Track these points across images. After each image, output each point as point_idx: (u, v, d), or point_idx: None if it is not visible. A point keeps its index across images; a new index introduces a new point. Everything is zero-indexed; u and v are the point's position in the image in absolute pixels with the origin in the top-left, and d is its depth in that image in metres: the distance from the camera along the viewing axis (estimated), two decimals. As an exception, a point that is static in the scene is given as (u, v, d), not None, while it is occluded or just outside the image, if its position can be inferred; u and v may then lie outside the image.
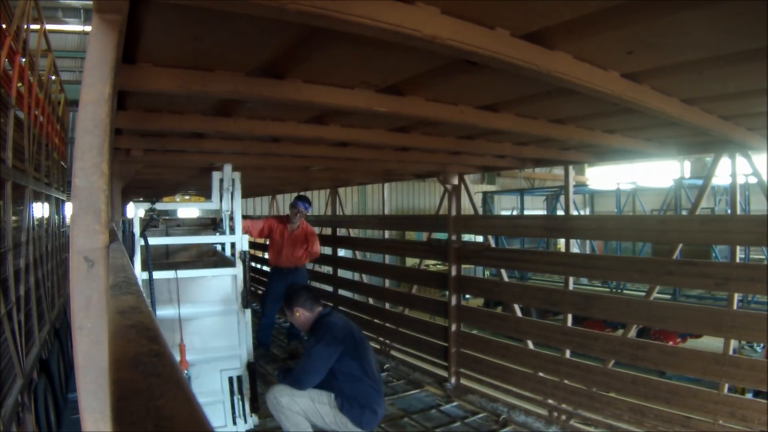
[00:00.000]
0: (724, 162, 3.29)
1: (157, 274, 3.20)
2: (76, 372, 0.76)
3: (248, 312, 3.50)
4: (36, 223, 4.44)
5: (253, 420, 3.55)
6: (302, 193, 6.59)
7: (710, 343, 3.91)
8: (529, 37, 1.48)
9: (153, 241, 3.29)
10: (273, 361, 5.56)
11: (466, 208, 5.03)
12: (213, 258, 4.44)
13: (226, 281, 3.49)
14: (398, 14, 1.22)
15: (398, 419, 4.14)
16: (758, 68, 1.71)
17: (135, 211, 3.46)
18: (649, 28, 1.45)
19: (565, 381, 3.96)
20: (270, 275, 6.18)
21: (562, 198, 8.98)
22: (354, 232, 7.31)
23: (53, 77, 6.65)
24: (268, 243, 6.01)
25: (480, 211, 5.57)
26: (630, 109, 2.11)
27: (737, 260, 3.25)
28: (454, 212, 4.95)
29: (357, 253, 7.28)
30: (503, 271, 4.66)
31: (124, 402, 0.53)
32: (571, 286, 4.07)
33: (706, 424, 3.09)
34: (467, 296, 6.32)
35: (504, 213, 15.41)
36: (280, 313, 5.65)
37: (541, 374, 4.17)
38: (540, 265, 5.10)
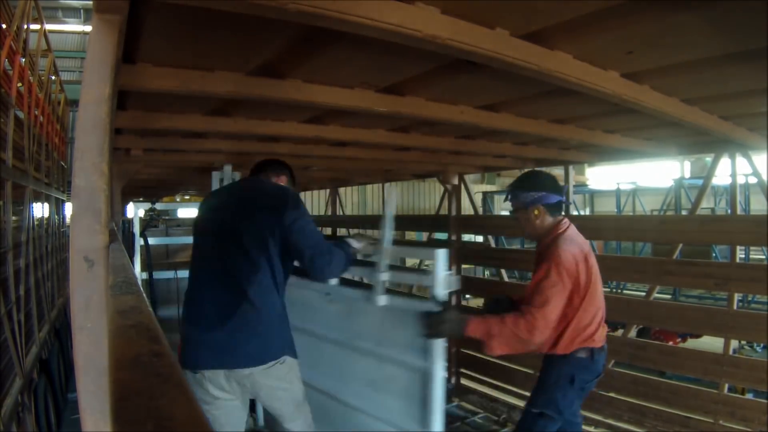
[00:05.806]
0: (724, 162, 3.29)
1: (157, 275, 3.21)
2: (76, 372, 0.76)
3: None
4: (36, 223, 4.44)
5: (252, 420, 3.55)
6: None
7: (710, 343, 3.91)
8: (529, 37, 1.48)
9: (153, 241, 3.30)
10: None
11: (466, 208, 5.03)
12: None
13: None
14: (398, 14, 1.22)
15: (398, 419, 4.13)
16: (758, 68, 1.71)
17: (135, 211, 3.46)
18: (649, 28, 1.45)
19: (565, 381, 3.95)
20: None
21: (562, 198, 8.92)
22: (354, 233, 7.29)
23: (53, 77, 6.65)
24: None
25: (480, 211, 5.57)
26: (630, 109, 2.11)
27: (737, 260, 3.26)
28: (454, 212, 4.95)
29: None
30: (503, 271, 4.65)
31: (124, 402, 0.53)
32: (571, 286, 4.06)
33: (706, 424, 3.09)
34: (467, 296, 6.32)
35: (504, 213, 15.37)
36: None
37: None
38: (540, 265, 5.08)
